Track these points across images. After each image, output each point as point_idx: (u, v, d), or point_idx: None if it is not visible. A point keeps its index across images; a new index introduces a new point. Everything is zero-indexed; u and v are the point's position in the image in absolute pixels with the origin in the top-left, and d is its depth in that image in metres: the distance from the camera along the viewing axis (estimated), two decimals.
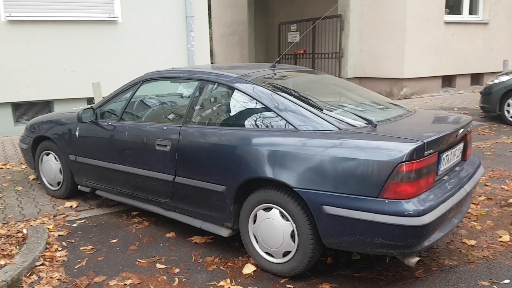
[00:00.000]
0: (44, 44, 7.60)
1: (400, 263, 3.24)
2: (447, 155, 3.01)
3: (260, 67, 3.95)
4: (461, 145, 3.28)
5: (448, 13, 12.02)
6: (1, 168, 5.67)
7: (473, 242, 3.58)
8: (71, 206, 4.41)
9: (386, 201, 2.62)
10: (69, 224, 4.02)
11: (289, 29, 14.51)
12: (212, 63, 21.57)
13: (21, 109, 7.66)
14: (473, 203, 4.39)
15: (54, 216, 4.18)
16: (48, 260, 3.32)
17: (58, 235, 3.78)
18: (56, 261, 3.32)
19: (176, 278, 3.09)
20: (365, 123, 2.98)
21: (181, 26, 8.58)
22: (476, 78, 13.10)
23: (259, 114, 3.25)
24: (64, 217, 4.17)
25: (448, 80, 12.61)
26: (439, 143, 2.83)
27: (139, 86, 3.96)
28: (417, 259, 2.75)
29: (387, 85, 12.01)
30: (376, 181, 2.64)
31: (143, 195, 3.80)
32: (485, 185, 4.87)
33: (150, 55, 8.29)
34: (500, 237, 3.64)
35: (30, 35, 7.48)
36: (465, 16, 12.53)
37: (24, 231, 3.77)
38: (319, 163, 2.80)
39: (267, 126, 3.15)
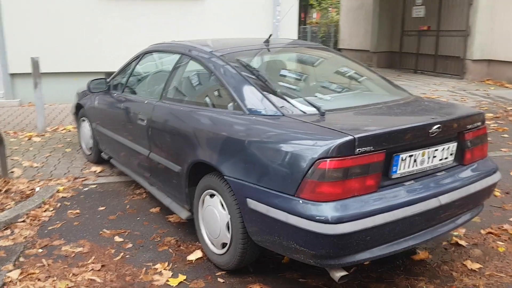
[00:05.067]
0: (134, 20, 8.07)
1: (359, 276, 2.79)
2: (411, 156, 2.45)
3: (252, 42, 3.65)
4: (451, 145, 2.63)
5: None
6: (69, 131, 6.25)
7: (476, 266, 2.91)
8: (95, 171, 4.67)
9: (300, 201, 2.24)
10: (81, 188, 4.26)
11: (414, 3, 13.26)
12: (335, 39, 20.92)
13: None
14: None
15: (75, 178, 4.47)
16: (31, 218, 3.56)
17: (62, 196, 4.03)
18: (38, 220, 3.55)
19: (122, 254, 3.07)
20: (312, 111, 2.56)
21: (268, 0, 8.40)
22: None
23: (215, 92, 3.02)
24: (82, 180, 4.43)
25: None
26: (387, 139, 2.30)
27: (141, 59, 3.98)
28: (342, 273, 2.31)
29: None
30: (293, 178, 2.27)
31: (135, 167, 3.85)
32: None
33: (235, 31, 8.27)
34: None
35: (121, 11, 8.02)
36: None
37: (37, 189, 4.11)
38: (247, 151, 2.51)
39: (215, 106, 2.91)
